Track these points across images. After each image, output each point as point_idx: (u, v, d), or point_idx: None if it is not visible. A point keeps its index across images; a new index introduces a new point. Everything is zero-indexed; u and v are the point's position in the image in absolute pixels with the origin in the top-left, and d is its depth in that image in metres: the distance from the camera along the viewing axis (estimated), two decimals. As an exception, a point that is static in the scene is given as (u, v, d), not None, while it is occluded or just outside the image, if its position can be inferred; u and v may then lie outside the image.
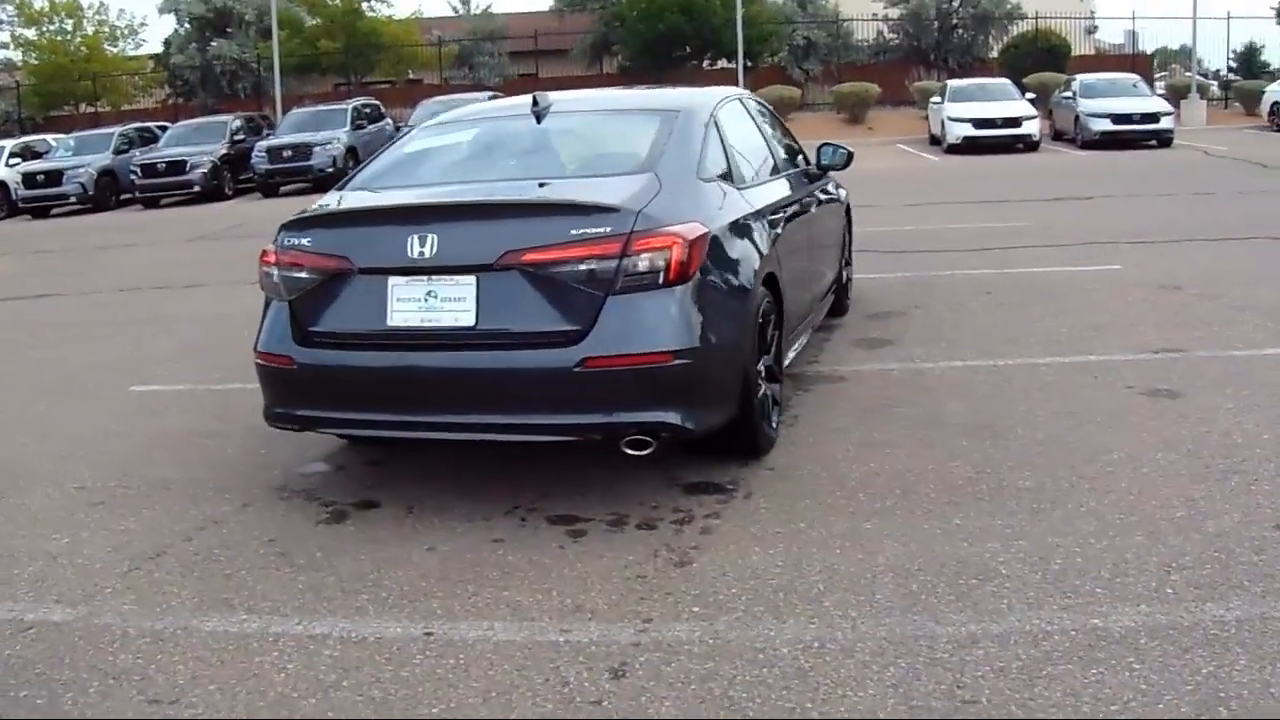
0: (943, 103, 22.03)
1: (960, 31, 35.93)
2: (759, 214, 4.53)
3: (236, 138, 21.11)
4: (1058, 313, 6.72)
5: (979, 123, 20.34)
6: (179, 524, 4.08)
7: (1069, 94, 21.88)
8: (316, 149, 19.64)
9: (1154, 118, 19.74)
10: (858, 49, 37.36)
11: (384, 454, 4.72)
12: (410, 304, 3.81)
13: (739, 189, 4.51)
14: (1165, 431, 4.46)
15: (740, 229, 4.24)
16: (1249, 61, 35.84)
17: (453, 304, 3.76)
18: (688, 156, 4.20)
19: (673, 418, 3.70)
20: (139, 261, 12.48)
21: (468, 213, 3.95)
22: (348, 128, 20.49)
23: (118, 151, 20.99)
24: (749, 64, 33.95)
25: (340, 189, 4.54)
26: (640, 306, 3.67)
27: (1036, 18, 33.66)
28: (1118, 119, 19.84)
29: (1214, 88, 31.22)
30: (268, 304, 4.23)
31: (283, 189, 20.41)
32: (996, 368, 5.58)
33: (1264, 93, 24.13)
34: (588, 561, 3.54)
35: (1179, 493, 3.83)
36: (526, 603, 3.28)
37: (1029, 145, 20.18)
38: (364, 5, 33.70)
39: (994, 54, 35.53)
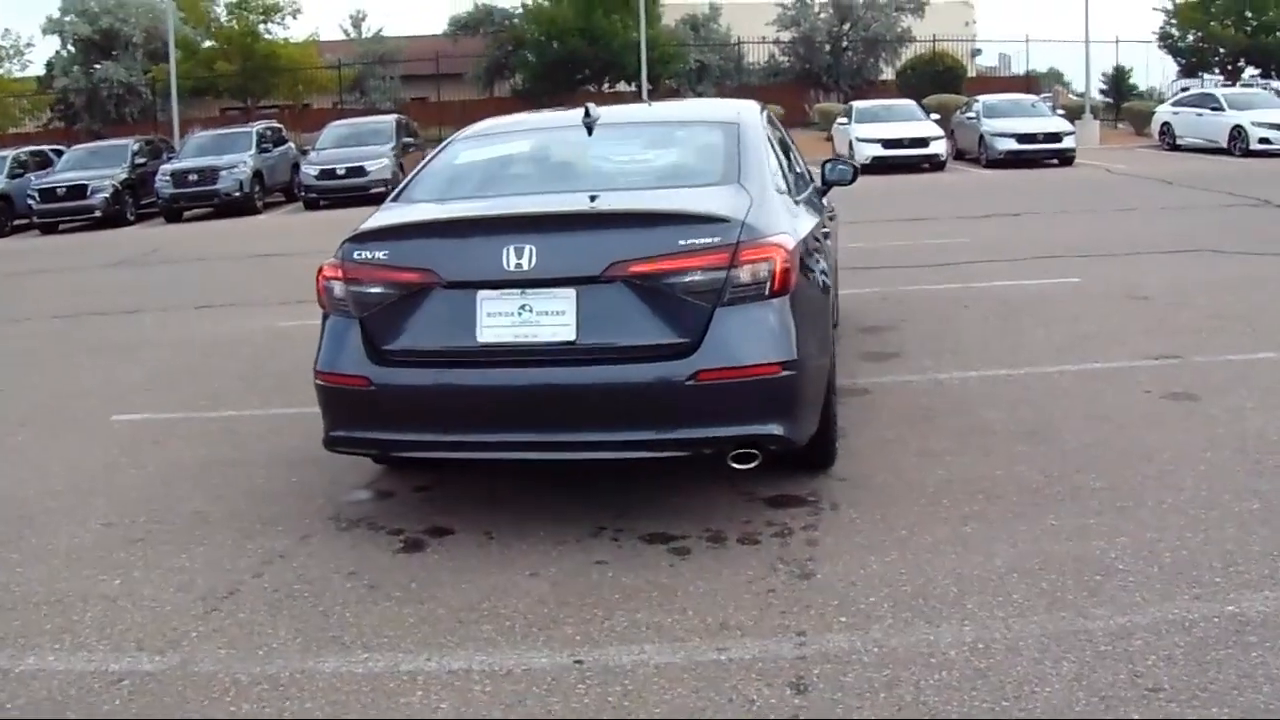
0: (850, 123, 22.57)
1: (850, 54, 37.05)
2: (815, 227, 4.54)
3: (137, 161, 20.17)
4: (1044, 323, 6.93)
5: (888, 143, 20.91)
6: (240, 559, 3.83)
7: (971, 114, 22.72)
8: (223, 173, 18.92)
9: (1057, 137, 20.64)
10: (750, 71, 38.20)
11: (430, 478, 4.53)
12: (502, 319, 3.67)
13: (795, 201, 4.51)
14: (1202, 432, 4.63)
15: (809, 242, 4.24)
16: (1118, 84, 37.82)
17: (551, 318, 3.63)
18: (762, 168, 4.18)
19: (777, 429, 3.65)
20: (61, 288, 11.76)
21: (569, 223, 3.81)
22: (253, 151, 19.82)
23: (11, 176, 19.83)
24: (650, 87, 34.37)
25: (396, 201, 4.33)
26: (748, 318, 3.62)
27: (935, 40, 34.95)
28: (1022, 138, 20.69)
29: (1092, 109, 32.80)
30: (327, 321, 4.00)
31: (186, 214, 19.58)
32: (1012, 377, 5.71)
33: (1153, 113, 25.53)
34: (708, 579, 3.46)
35: (1245, 487, 3.98)
36: (667, 624, 3.18)
37: (935, 165, 20.86)
38: (261, 27, 32.75)
39: (884, 76, 36.78)
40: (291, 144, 22.38)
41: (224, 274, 11.89)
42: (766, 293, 3.63)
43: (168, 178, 19.06)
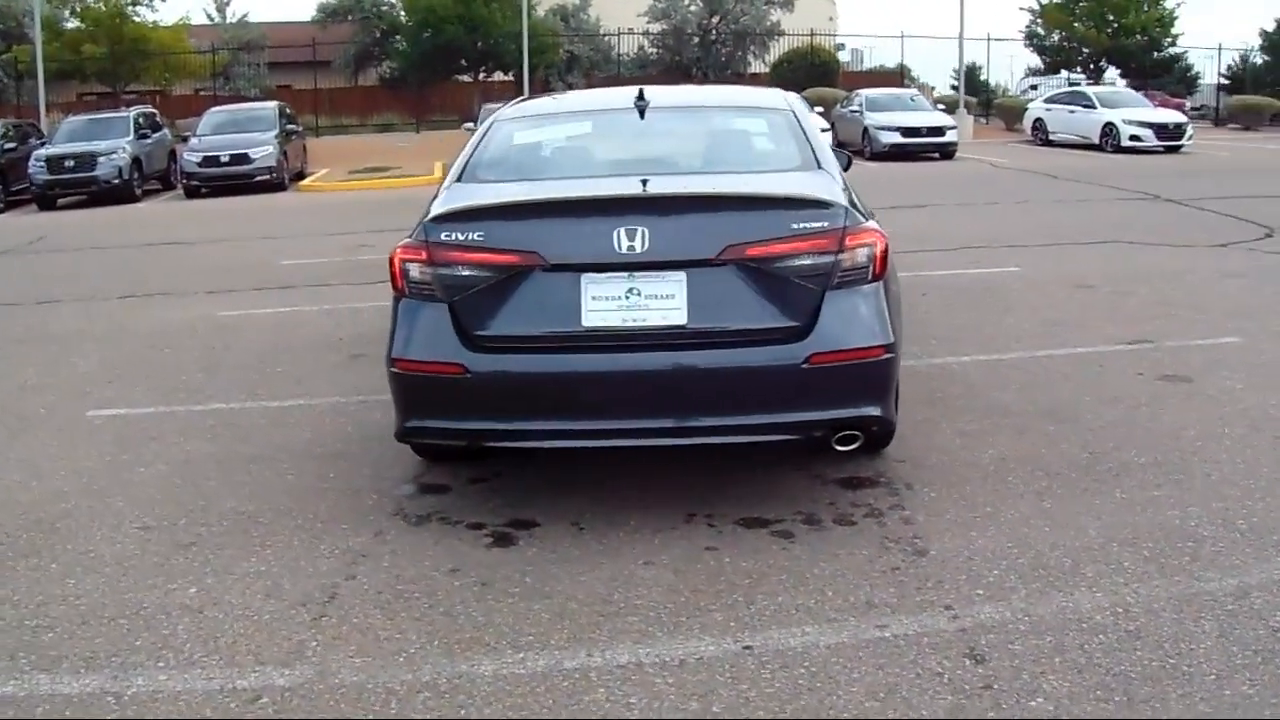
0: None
1: (720, 46, 37.63)
2: None
3: (6, 146, 18.67)
4: (1007, 310, 7.23)
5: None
6: (319, 561, 3.63)
7: (855, 108, 23.46)
8: (101, 159, 17.67)
9: (940, 131, 21.54)
10: (619, 62, 38.36)
11: (483, 470, 4.37)
12: (609, 302, 3.58)
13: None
14: (1210, 411, 4.94)
15: None
16: (970, 81, 39.75)
17: (660, 301, 3.57)
18: (832, 155, 4.22)
19: (877, 411, 3.71)
20: (-57, 279, 10.81)
21: (683, 205, 3.75)
22: (131, 137, 18.59)
23: None
24: (516, 77, 34.07)
25: (462, 181, 4.12)
26: (854, 302, 3.66)
27: (813, 35, 35.81)
28: (906, 132, 21.51)
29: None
30: (402, 306, 3.82)
31: (61, 202, 18.25)
32: (1004, 361, 5.95)
33: (1025, 110, 26.89)
34: (828, 560, 3.50)
35: (1276, 460, 4.27)
36: (812, 605, 3.20)
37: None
38: (129, 9, 30.82)
39: (752, 69, 37.44)
40: (167, 130, 21.20)
41: (130, 263, 11.15)
42: (869, 277, 3.68)
43: (42, 163, 17.69)
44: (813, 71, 34.16)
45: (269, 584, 3.47)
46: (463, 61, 33.42)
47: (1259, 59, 38.23)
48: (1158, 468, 4.23)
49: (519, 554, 3.63)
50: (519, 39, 31.28)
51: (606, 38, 38.04)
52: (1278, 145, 24.75)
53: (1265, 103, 31.12)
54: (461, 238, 3.65)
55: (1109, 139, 21.92)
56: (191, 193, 18.85)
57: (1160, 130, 21.71)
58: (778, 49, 37.29)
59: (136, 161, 18.38)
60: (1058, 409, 5.02)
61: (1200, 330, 6.48)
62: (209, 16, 36.73)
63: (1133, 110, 22.55)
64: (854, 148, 22.91)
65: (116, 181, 17.75)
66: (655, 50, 38.28)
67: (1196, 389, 5.29)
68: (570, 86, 36.03)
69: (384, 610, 3.26)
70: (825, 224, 3.62)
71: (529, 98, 5.18)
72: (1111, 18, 37.43)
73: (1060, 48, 39.40)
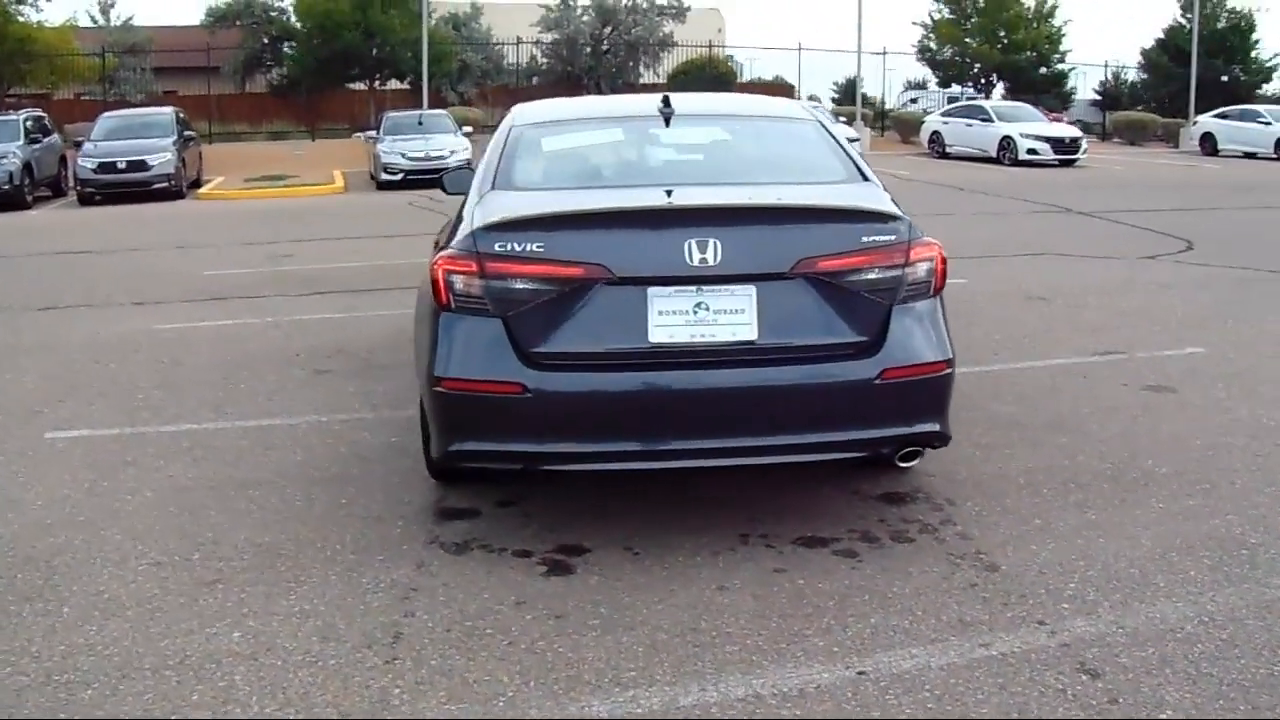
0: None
1: (612, 56, 37.72)
2: None
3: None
4: (970, 323, 7.29)
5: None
6: (367, 597, 3.38)
7: None
8: (-10, 164, 16.56)
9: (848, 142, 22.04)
10: (510, 72, 38.11)
11: (508, 493, 4.17)
12: (676, 317, 3.44)
13: None
14: (1206, 420, 5.08)
15: None
16: (850, 93, 40.79)
17: (729, 316, 3.45)
18: (868, 166, 4.17)
19: (937, 426, 3.67)
20: None
21: (755, 216, 3.63)
22: (21, 141, 17.40)
23: None
24: (408, 85, 33.46)
25: (501, 189, 3.90)
26: (919, 316, 3.63)
27: (711, 46, 36.18)
28: None
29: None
30: (444, 320, 3.57)
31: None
32: (990, 373, 6.01)
33: (922, 123, 27.67)
34: (903, 579, 3.44)
35: (1291, 467, 4.40)
36: (908, 626, 3.14)
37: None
38: (14, 9, 28.91)
39: (643, 79, 37.55)
40: (58, 135, 20.00)
41: (41, 273, 10.41)
42: (930, 291, 3.66)
43: (-74, 169, 16.43)
44: (708, 83, 34.53)
45: (320, 624, 3.21)
46: (357, 69, 32.64)
47: (1136, 76, 40.29)
48: (1180, 478, 4.31)
49: (581, 583, 3.46)
50: (416, 46, 30.72)
51: (499, 47, 37.74)
52: (1168, 160, 26.19)
53: (1149, 118, 32.81)
54: (519, 249, 3.45)
55: (1006, 152, 22.77)
56: (86, 200, 17.83)
57: (1057, 144, 22.68)
58: (670, 60, 37.60)
59: (28, 167, 17.22)
60: (1061, 420, 5.09)
61: (1164, 341, 6.70)
62: (92, 19, 35.18)
63: (1029, 124, 23.48)
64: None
65: (7, 188, 16.61)
66: (547, 60, 38.17)
67: (1184, 399, 5.44)
68: (462, 96, 35.58)
69: (460, 650, 3.05)
70: (893, 237, 3.57)
71: (536, 102, 4.99)
72: (1002, 34, 39.00)
73: (953, 62, 40.83)
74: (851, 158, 4.16)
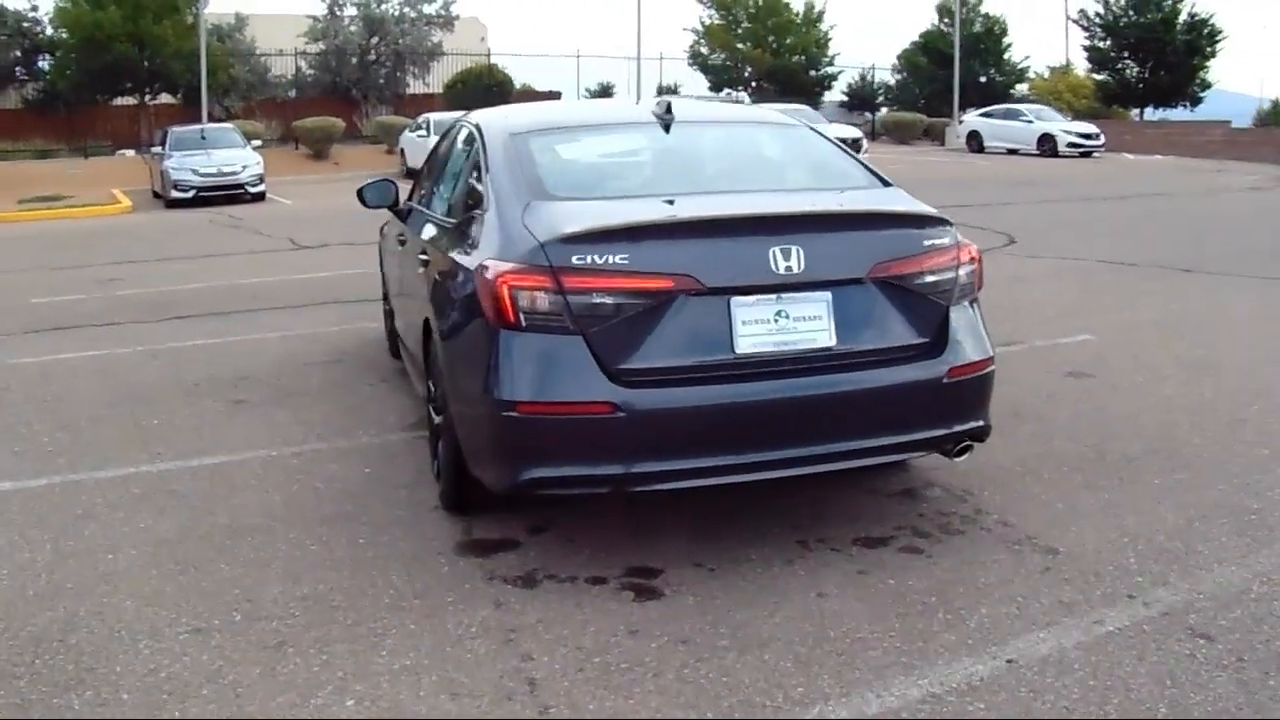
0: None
1: (380, 67, 36.75)
2: None
3: None
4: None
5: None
6: (469, 644, 3.14)
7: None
8: None
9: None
10: (277, 84, 36.51)
11: (536, 518, 3.99)
12: (759, 326, 3.40)
13: None
14: (1142, 402, 5.50)
15: None
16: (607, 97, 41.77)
17: (807, 323, 3.45)
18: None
19: (984, 421, 3.83)
20: None
21: (835, 222, 3.64)
22: None
23: None
24: (180, 100, 31.38)
25: (542, 200, 3.69)
26: (969, 316, 3.78)
27: (490, 55, 35.79)
28: None
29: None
30: (512, 340, 3.37)
31: None
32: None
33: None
34: (981, 570, 3.57)
35: (1262, 438, 4.82)
36: (1018, 613, 3.26)
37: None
38: None
39: (411, 90, 36.66)
40: None
41: None
42: (973, 291, 3.81)
43: None
44: (488, 93, 34.27)
45: (437, 680, 2.95)
46: (129, 83, 30.24)
47: (893, 78, 43.10)
48: (1156, 456, 4.67)
49: (679, 604, 3.36)
50: (189, 59, 28.87)
51: (265, 58, 35.98)
52: (940, 158, 28.27)
53: (915, 118, 35.22)
54: (600, 261, 3.31)
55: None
56: None
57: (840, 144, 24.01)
58: (439, 69, 37.02)
59: None
60: (1017, 410, 5.37)
61: (1053, 330, 7.24)
62: None
63: (816, 126, 24.77)
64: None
65: None
66: (313, 72, 36.76)
67: (1109, 383, 5.89)
68: (228, 111, 33.60)
69: (609, 689, 2.89)
70: (948, 240, 3.71)
71: (511, 109, 4.80)
72: (773, 39, 40.78)
73: (725, 67, 42.30)
74: (863, 164, 4.26)
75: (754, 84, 41.13)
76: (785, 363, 3.46)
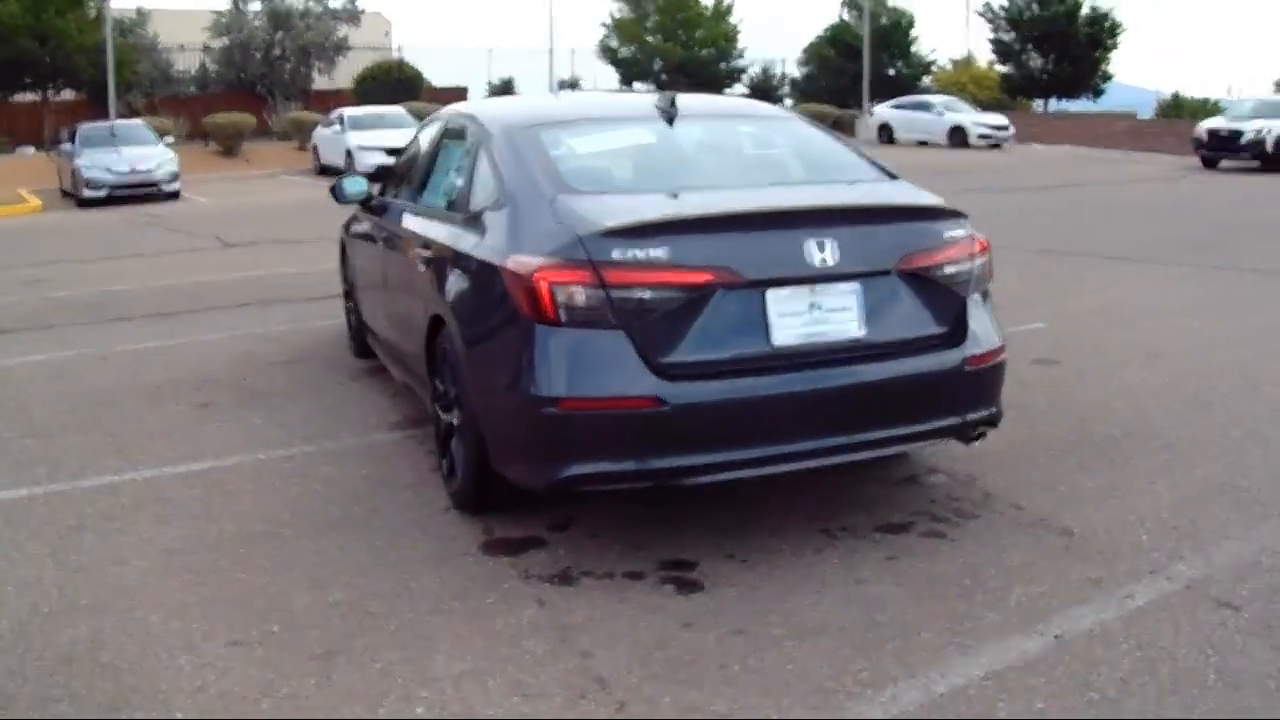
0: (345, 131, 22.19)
1: (285, 62, 35.94)
2: None
3: None
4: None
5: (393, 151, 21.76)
6: (521, 644, 3.12)
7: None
8: None
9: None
10: (180, 80, 35.43)
11: (557, 517, 3.96)
12: (794, 318, 3.45)
13: None
14: (1109, 387, 5.69)
15: None
16: (507, 93, 41.55)
17: (839, 314, 3.52)
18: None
19: (996, 408, 3.95)
20: None
21: (864, 215, 3.70)
22: None
23: None
24: (84, 96, 30.17)
25: (566, 194, 3.65)
26: (982, 306, 3.90)
27: (401, 50, 35.27)
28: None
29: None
30: (550, 336, 3.34)
31: None
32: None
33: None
34: (1006, 552, 3.67)
35: (1232, 419, 5.05)
36: (1050, 591, 3.38)
37: None
38: None
39: (315, 85, 35.84)
40: None
41: None
42: (984, 281, 3.91)
43: None
44: (398, 87, 33.72)
45: (503, 682, 2.91)
46: (30, 78, 28.94)
47: (798, 70, 43.65)
48: (1135, 438, 4.86)
49: (723, 595, 3.39)
50: (93, 53, 27.76)
51: (168, 53, 34.87)
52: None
53: (825, 110, 35.62)
54: (642, 255, 3.31)
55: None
56: None
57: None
58: (345, 64, 36.34)
59: None
60: (990, 395, 5.55)
61: (1006, 319, 6.92)
62: None
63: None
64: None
65: None
66: (217, 67, 35.75)
67: (1075, 371, 6.08)
68: (130, 106, 32.39)
69: (680, 682, 2.89)
70: (964, 232, 3.81)
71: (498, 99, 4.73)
72: (682, 32, 40.95)
73: (635, 60, 42.31)
74: (865, 156, 4.35)
75: (663, 77, 41.27)
76: (819, 353, 3.52)
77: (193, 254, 12.22)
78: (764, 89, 42.94)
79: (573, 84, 44.57)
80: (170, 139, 21.95)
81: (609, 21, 42.68)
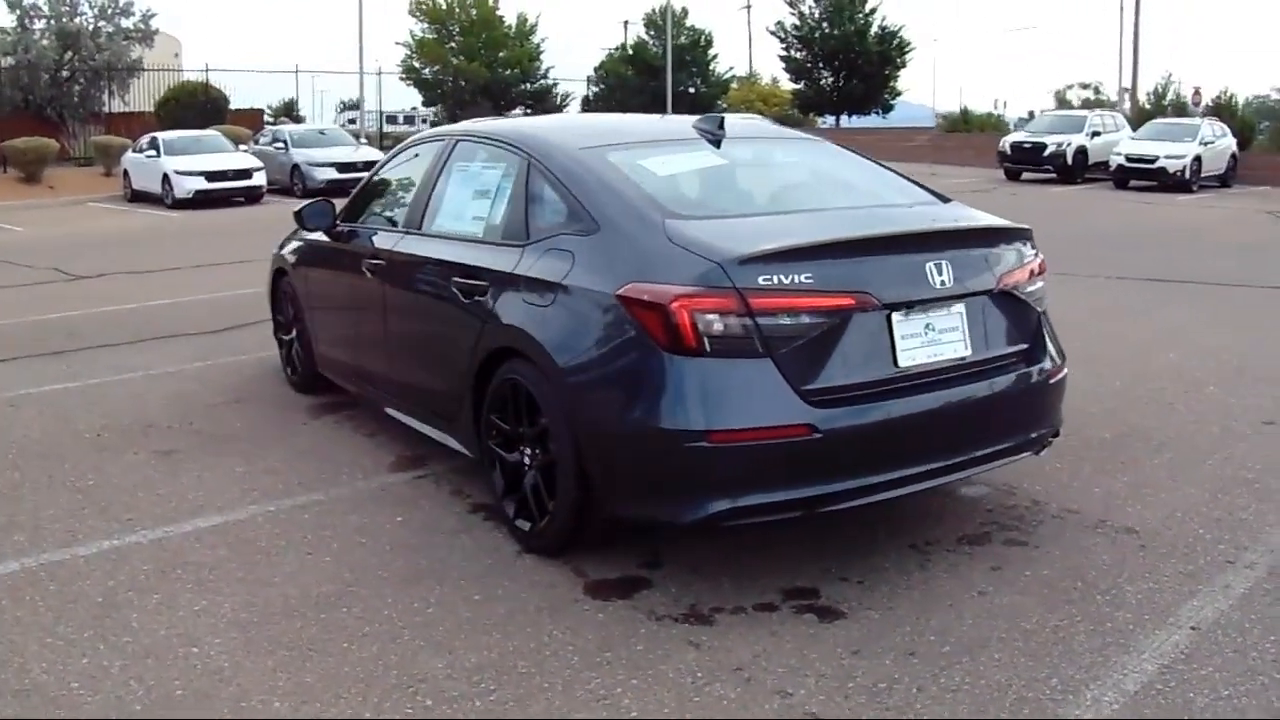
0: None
1: (74, 84, 33.38)
2: None
3: None
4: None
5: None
6: (687, 695, 3.02)
7: (279, 144, 24.47)
8: None
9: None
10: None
11: (645, 552, 3.86)
12: (913, 340, 3.52)
13: None
14: (1092, 388, 5.94)
15: None
16: (290, 113, 40.41)
17: (949, 334, 3.63)
18: None
19: (1061, 418, 4.12)
20: None
21: (971, 238, 3.82)
22: None
23: None
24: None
25: (681, 219, 3.58)
26: (1048, 322, 4.10)
27: (207, 70, 33.49)
28: (343, 168, 22.19)
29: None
30: (693, 366, 3.26)
31: None
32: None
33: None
34: (1091, 554, 3.86)
35: (1198, 417, 5.48)
36: (1157, 587, 3.59)
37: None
38: None
39: (107, 108, 33.52)
40: None
41: None
42: (1045, 300, 4.08)
43: None
44: (204, 110, 31.90)
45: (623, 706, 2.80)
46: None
47: (589, 90, 44.15)
48: (1130, 439, 5.20)
49: (866, 618, 3.40)
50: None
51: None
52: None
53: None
54: (786, 280, 3.29)
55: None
56: None
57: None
58: (138, 86, 34.08)
59: None
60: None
61: None
62: None
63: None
64: (282, 185, 22.94)
65: None
66: (6, 89, 32.67)
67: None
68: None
69: (892, 709, 2.89)
70: (1035, 251, 4.01)
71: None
72: (485, 52, 40.54)
73: (438, 81, 41.52)
74: (909, 179, 4.49)
75: (465, 99, 40.61)
76: (935, 374, 3.61)
77: (41, 286, 11.04)
78: (549, 110, 43.05)
79: (352, 105, 43.16)
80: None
81: (409, 41, 41.77)
